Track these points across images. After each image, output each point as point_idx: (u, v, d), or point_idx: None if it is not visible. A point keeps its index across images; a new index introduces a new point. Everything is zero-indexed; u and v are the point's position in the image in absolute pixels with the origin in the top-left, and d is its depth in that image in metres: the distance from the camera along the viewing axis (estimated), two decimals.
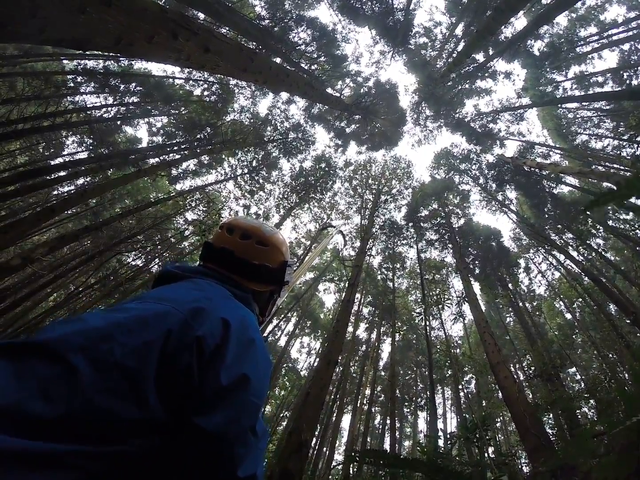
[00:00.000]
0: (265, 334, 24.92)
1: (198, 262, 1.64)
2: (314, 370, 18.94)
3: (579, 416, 18.85)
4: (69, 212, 23.54)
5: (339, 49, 22.82)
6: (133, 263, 27.49)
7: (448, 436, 28.76)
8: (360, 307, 30.17)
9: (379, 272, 28.97)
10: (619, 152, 21.64)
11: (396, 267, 28.07)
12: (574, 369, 26.46)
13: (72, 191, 23.33)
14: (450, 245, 25.14)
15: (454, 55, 23.19)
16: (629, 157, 15.47)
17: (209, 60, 7.20)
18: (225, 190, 27.76)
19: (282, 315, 33.28)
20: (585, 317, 22.43)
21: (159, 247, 26.59)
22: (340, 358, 27.92)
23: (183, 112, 24.70)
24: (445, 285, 29.29)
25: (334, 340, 12.82)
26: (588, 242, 22.19)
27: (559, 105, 24.30)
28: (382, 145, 27.02)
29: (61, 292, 27.97)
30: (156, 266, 26.97)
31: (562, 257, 22.30)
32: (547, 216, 23.29)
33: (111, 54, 15.09)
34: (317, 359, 31.38)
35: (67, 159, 23.17)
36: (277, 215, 27.38)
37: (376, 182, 27.95)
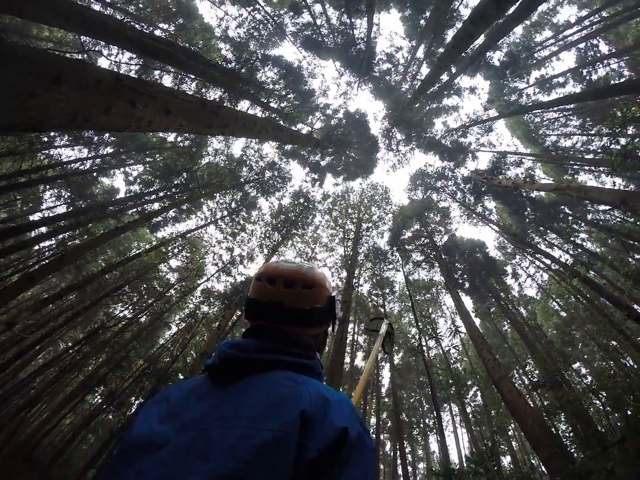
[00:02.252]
0: None
1: (245, 316, 1.52)
2: None
3: (591, 412, 18.62)
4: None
5: (306, 85, 23.63)
6: (121, 315, 27.11)
7: (462, 454, 28.26)
8: (356, 336, 30.03)
9: (369, 300, 29.04)
10: (587, 147, 22.51)
11: (386, 293, 28.17)
12: (577, 364, 26.42)
13: (53, 247, 23.33)
14: (436, 264, 25.34)
15: (418, 76, 24.31)
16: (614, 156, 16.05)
17: (171, 122, 7.19)
18: (207, 235, 27.95)
19: None
20: (580, 312, 22.58)
21: (145, 296, 26.40)
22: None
23: (158, 159, 25.21)
24: (437, 305, 29.47)
25: (331, 382, 12.65)
26: (572, 239, 22.67)
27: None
28: (357, 174, 27.67)
29: (50, 349, 27.42)
30: (144, 317, 26.68)
31: (548, 260, 22.63)
32: (528, 220, 23.80)
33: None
34: None
35: (46, 214, 23.35)
36: (261, 255, 27.50)
37: (356, 211, 28.41)
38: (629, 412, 14.89)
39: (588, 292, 20.33)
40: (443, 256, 25.27)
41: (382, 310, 27.56)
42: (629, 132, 20.83)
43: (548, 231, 23.49)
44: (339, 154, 26.27)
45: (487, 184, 24.13)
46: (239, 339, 1.37)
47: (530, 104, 23.12)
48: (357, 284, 24.93)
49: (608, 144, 21.18)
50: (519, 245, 24.45)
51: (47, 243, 24.22)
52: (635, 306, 20.05)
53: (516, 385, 28.02)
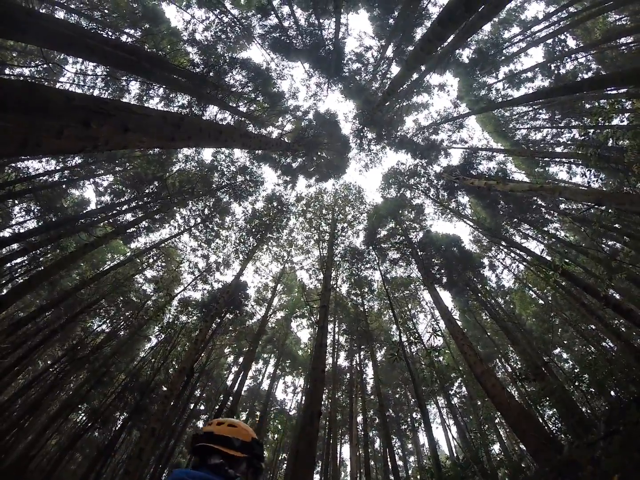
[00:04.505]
0: (247, 380, 24.56)
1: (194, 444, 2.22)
2: (299, 425, 18.67)
3: (576, 398, 19.20)
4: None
5: (275, 87, 23.74)
6: (99, 330, 26.68)
7: (452, 445, 28.90)
8: (337, 336, 30.38)
9: (348, 300, 29.40)
10: (557, 139, 23.39)
11: (364, 292, 28.58)
12: (558, 350, 27.42)
13: (25, 263, 22.76)
14: (413, 261, 25.84)
15: (388, 75, 24.68)
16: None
17: (130, 139, 6.90)
18: (181, 243, 27.75)
19: (261, 361, 32.96)
20: (557, 300, 23.42)
21: (122, 309, 26.04)
22: (324, 398, 27.81)
23: (128, 168, 24.90)
24: (416, 301, 30.05)
25: (313, 392, 12.69)
26: (545, 229, 23.51)
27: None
28: (330, 175, 27.92)
29: (29, 369, 26.78)
30: (123, 330, 26.30)
31: (523, 253, 23.34)
32: (501, 212, 24.52)
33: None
34: (303, 398, 30.99)
35: (16, 229, 22.81)
36: (237, 262, 27.51)
37: (330, 212, 28.72)
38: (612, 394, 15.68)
39: (564, 281, 20.97)
40: (419, 252, 25.84)
41: (362, 309, 28.00)
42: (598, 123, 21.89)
43: (522, 223, 24.28)
44: (311, 156, 26.48)
45: (459, 184, 24.73)
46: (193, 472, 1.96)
47: (500, 99, 23.90)
48: (335, 285, 25.21)
49: (578, 136, 22.16)
50: (493, 240, 25.20)
51: (18, 260, 23.54)
52: (612, 292, 21.00)
53: (500, 373, 29.07)
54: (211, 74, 21.23)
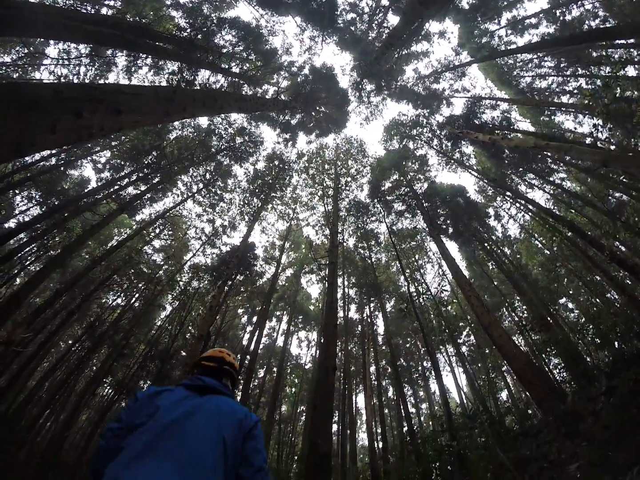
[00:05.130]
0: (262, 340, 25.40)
1: (205, 361, 2.79)
2: (315, 380, 19.40)
3: (581, 348, 19.65)
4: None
5: (268, 44, 22.80)
6: (114, 304, 27.40)
7: (462, 393, 30.25)
8: (347, 290, 31.07)
9: (356, 253, 29.70)
10: (563, 88, 22.55)
11: (371, 245, 28.83)
12: (564, 299, 27.98)
13: (34, 250, 23.07)
14: (419, 212, 25.79)
15: (385, 24, 23.48)
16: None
17: (124, 122, 6.82)
18: (185, 211, 27.81)
19: (274, 318, 33.97)
20: (563, 250, 23.50)
21: (135, 281, 26.58)
22: (337, 351, 28.80)
23: (125, 142, 24.47)
24: (423, 251, 30.31)
25: (327, 348, 12.94)
26: (550, 179, 23.23)
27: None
28: (330, 129, 27.31)
29: (52, 351, 27.88)
30: (138, 302, 26.99)
31: (530, 205, 23.13)
32: (507, 162, 24.13)
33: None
34: (317, 352, 32.19)
35: (20, 218, 22.93)
36: (244, 223, 27.62)
37: (333, 167, 28.38)
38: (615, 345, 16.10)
39: (570, 232, 20.88)
40: (424, 204, 25.76)
41: (369, 262, 28.37)
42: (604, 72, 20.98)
43: (527, 172, 23.95)
44: (309, 111, 25.82)
45: (463, 138, 24.15)
46: (201, 377, 2.50)
47: (503, 46, 22.83)
48: (342, 240, 25.35)
49: (585, 85, 21.33)
50: (499, 190, 24.99)
51: (27, 248, 23.81)
52: (617, 244, 21.02)
53: (506, 322, 29.80)
54: (199, 37, 20.34)
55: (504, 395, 27.03)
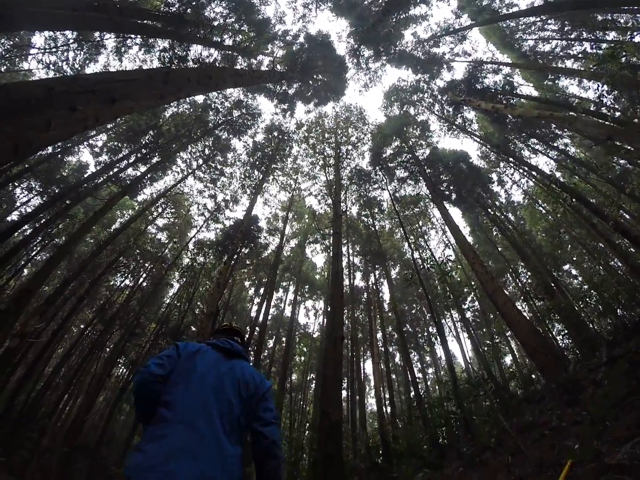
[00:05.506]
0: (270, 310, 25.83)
1: (225, 327, 3.29)
2: (324, 349, 19.76)
3: (584, 316, 19.82)
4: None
5: (260, 14, 22.01)
6: (122, 285, 27.80)
7: (467, 357, 30.93)
8: (352, 258, 31.27)
9: (359, 221, 29.70)
10: (567, 52, 21.77)
11: (374, 212, 28.78)
12: (567, 266, 28.06)
13: (39, 240, 23.25)
14: (421, 178, 25.57)
15: None
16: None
17: (119, 109, 6.76)
18: (187, 188, 27.70)
19: (281, 289, 34.40)
20: (567, 217, 23.34)
21: (141, 261, 26.86)
22: (344, 319, 29.22)
23: (120, 123, 24.11)
24: (426, 218, 30.22)
25: (334, 318, 13.15)
26: (555, 144, 22.82)
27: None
28: (329, 98, 26.68)
29: (66, 337, 28.54)
30: (145, 282, 27.36)
31: (534, 172, 22.81)
32: (510, 127, 23.61)
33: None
34: (324, 320, 32.75)
35: (22, 210, 22.98)
36: (246, 196, 27.58)
37: (333, 135, 27.95)
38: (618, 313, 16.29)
39: (574, 200, 20.60)
40: (427, 170, 25.53)
41: (373, 229, 28.42)
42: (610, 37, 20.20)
43: (531, 137, 23.50)
44: (306, 80, 25.20)
45: (465, 104, 23.56)
46: (230, 340, 2.95)
47: (505, 9, 21.85)
48: (345, 209, 25.29)
49: (589, 49, 20.59)
50: (502, 156, 24.63)
51: (32, 239, 23.98)
52: (622, 212, 20.85)
53: (510, 287, 30.02)
54: (189, 11, 19.66)
55: (508, 360, 27.68)
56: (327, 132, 28.01)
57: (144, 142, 23.80)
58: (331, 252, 18.15)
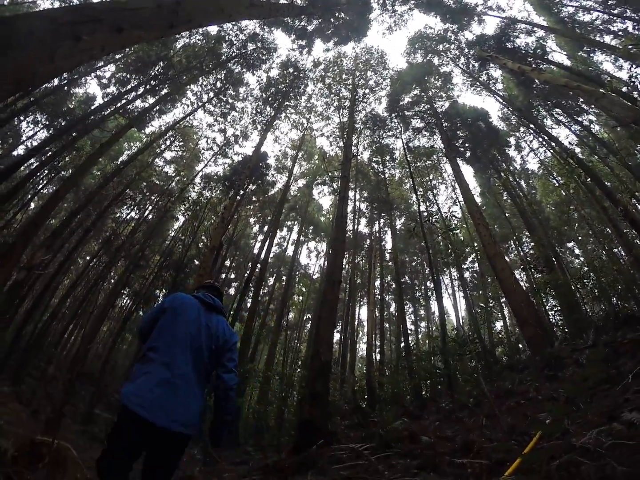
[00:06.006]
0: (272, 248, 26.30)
1: (208, 284, 3.92)
2: (321, 291, 20.19)
3: (579, 296, 20.03)
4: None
5: None
6: (128, 217, 28.12)
7: (460, 316, 31.62)
8: (358, 203, 31.16)
9: (369, 167, 29.21)
10: (607, 27, 20.07)
11: (386, 160, 28.25)
12: (572, 244, 27.79)
13: (45, 173, 23.27)
14: (437, 131, 24.84)
15: None
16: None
17: (126, 39, 6.49)
18: (196, 121, 27.09)
19: (285, 228, 34.56)
20: (580, 195, 22.82)
21: (147, 194, 26.99)
22: (345, 263, 29.63)
23: (129, 53, 23.14)
24: (437, 172, 29.61)
25: (334, 261, 13.16)
26: (579, 118, 21.84)
27: None
28: (350, 37, 25.07)
29: (72, 268, 29.29)
30: (151, 214, 27.62)
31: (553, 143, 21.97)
32: (535, 92, 22.46)
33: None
34: (325, 263, 33.23)
35: (28, 144, 22.80)
36: (256, 132, 27.01)
37: (350, 77, 26.60)
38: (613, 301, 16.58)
39: (588, 179, 20.05)
40: (444, 123, 24.76)
41: (382, 177, 28.08)
42: None
43: (556, 107, 22.40)
44: (327, 17, 23.60)
45: (491, 61, 22.16)
46: (213, 296, 3.52)
47: None
48: (356, 153, 24.85)
49: (631, 29, 19.04)
50: (523, 121, 23.65)
51: (39, 172, 23.92)
52: (635, 202, 20.36)
53: (512, 255, 29.99)
54: None
55: (499, 325, 28.26)
56: (344, 73, 26.65)
57: (153, 74, 22.98)
58: (337, 196, 17.99)
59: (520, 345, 21.78)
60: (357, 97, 25.59)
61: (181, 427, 2.64)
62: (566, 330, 17.37)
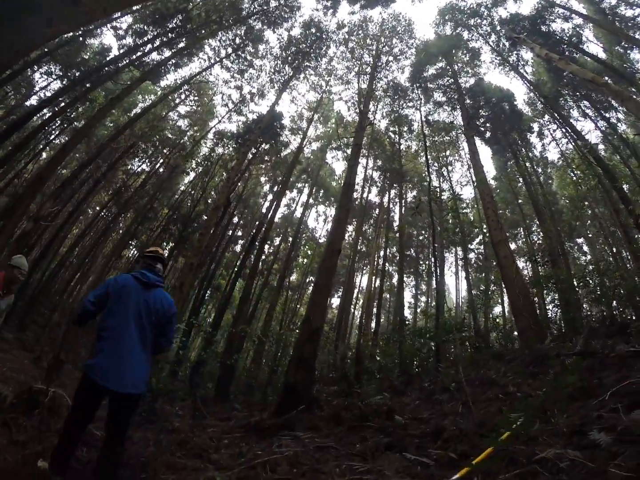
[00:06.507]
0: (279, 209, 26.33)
1: (151, 254, 4.14)
2: (321, 259, 20.44)
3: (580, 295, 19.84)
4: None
5: None
6: (139, 170, 28.12)
7: (460, 296, 31.71)
8: (371, 171, 30.77)
9: (386, 137, 28.57)
10: None
11: (403, 131, 27.58)
12: (581, 239, 27.33)
13: (57, 124, 23.18)
14: (458, 107, 24.13)
15: None
16: None
17: None
18: (212, 77, 26.44)
19: (295, 190, 34.30)
20: (597, 195, 22.27)
21: (160, 147, 26.88)
22: (351, 230, 29.66)
23: (148, 5, 22.35)
24: (454, 148, 28.93)
25: (336, 230, 12.99)
26: (607, 115, 21.04)
27: None
28: (377, 2, 23.89)
29: (81, 219, 29.60)
30: (162, 167, 27.59)
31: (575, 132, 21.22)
32: (565, 80, 21.52)
33: None
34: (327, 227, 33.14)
35: (41, 95, 22.59)
36: (273, 91, 26.39)
37: (374, 43, 25.40)
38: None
39: (607, 181, 19.51)
40: (466, 100, 24.04)
41: (398, 147, 27.58)
42: None
43: (584, 100, 21.52)
44: None
45: (519, 45, 21.07)
46: (149, 272, 3.90)
47: None
48: (373, 121, 24.31)
49: None
50: (548, 109, 22.80)
51: (51, 123, 23.72)
52: None
53: (520, 242, 29.64)
54: None
55: (498, 310, 28.27)
56: (369, 38, 25.41)
57: (170, 27, 22.31)
58: (347, 164, 17.72)
59: (516, 333, 21.96)
60: (379, 64, 24.63)
61: (130, 389, 3.38)
62: (562, 327, 17.50)
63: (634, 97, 13.93)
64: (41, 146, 24.16)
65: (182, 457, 4.92)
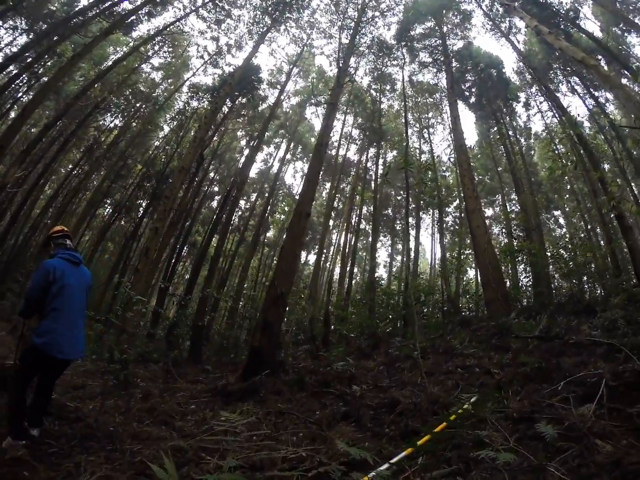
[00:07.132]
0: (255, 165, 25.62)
1: (62, 233, 4.53)
2: (289, 223, 20.19)
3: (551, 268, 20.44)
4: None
5: None
6: (112, 125, 26.75)
7: (434, 257, 32.17)
8: (350, 128, 30.15)
9: (367, 94, 27.78)
10: None
11: (385, 89, 26.92)
12: (558, 212, 27.80)
13: (24, 81, 21.56)
14: (444, 69, 23.61)
15: None
16: None
17: None
18: (187, 27, 24.61)
19: (272, 145, 33.27)
20: (576, 169, 22.50)
21: (132, 101, 25.52)
22: (329, 187, 29.42)
23: None
24: (437, 111, 28.48)
25: (306, 192, 12.29)
26: (595, 93, 21.02)
27: None
28: None
29: (53, 178, 28.20)
30: (135, 122, 26.26)
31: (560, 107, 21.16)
32: (557, 54, 21.13)
33: None
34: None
35: (7, 51, 20.89)
36: (251, 43, 24.97)
37: None
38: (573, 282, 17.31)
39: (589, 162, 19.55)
40: (453, 63, 23.57)
41: (379, 106, 27.02)
42: None
43: (574, 75, 21.33)
44: None
45: (510, 13, 20.36)
46: (74, 253, 4.54)
47: None
48: (353, 77, 23.56)
49: None
50: (537, 81, 22.56)
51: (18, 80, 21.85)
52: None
53: (497, 209, 30.02)
54: None
55: (471, 274, 29.00)
56: None
57: None
58: (321, 123, 17.07)
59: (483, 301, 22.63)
60: (364, 19, 23.42)
61: (79, 354, 4.47)
62: (530, 300, 18.14)
63: (624, 84, 13.81)
64: (8, 105, 22.52)
65: (149, 425, 5.18)
